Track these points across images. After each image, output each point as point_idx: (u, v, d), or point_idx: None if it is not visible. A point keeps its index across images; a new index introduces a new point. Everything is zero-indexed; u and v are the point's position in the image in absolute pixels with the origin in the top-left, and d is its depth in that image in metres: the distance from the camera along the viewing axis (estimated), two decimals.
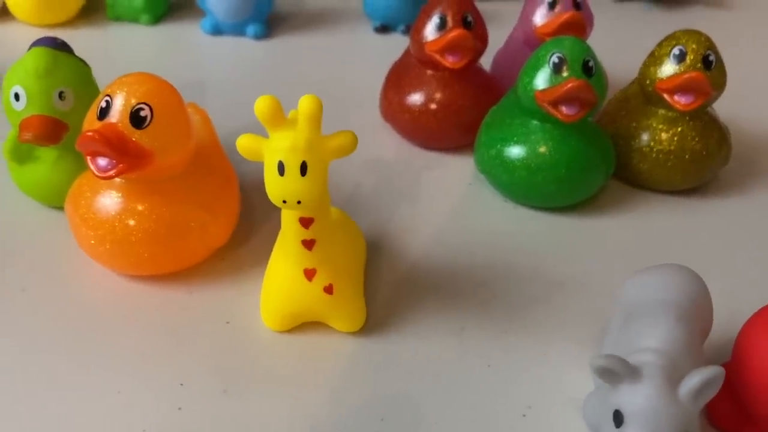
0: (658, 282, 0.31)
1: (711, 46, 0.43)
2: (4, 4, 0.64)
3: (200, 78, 0.58)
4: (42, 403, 0.32)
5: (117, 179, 0.35)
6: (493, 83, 0.51)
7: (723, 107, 0.47)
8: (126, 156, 0.33)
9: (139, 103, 0.33)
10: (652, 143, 0.45)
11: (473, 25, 0.46)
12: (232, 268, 0.39)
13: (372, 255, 0.41)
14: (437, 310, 0.38)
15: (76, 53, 0.41)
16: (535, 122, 0.43)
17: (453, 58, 0.46)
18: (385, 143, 0.51)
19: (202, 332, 0.36)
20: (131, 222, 0.35)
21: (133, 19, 0.65)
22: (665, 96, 0.44)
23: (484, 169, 0.46)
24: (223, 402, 0.32)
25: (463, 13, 0.46)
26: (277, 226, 0.41)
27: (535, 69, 0.42)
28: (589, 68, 0.41)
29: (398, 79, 0.50)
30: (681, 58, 0.43)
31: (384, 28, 0.66)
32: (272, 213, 0.43)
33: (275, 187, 0.29)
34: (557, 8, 0.49)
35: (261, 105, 0.29)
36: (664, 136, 0.45)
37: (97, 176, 0.33)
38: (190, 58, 0.62)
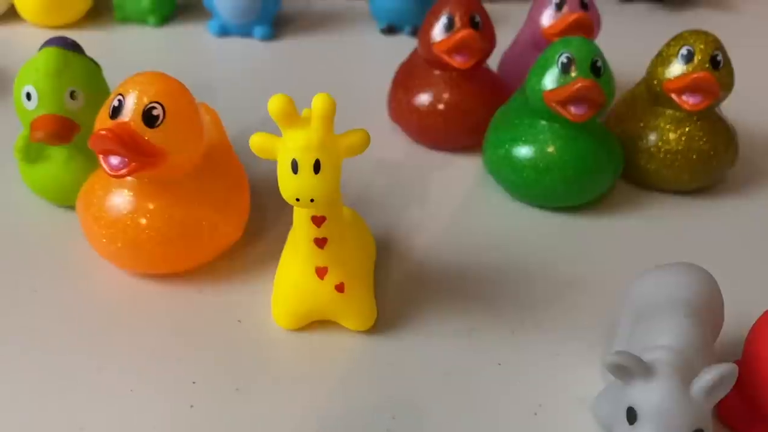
0: (669, 280, 0.31)
1: (719, 46, 0.44)
2: (13, 5, 0.64)
3: (207, 79, 0.58)
4: (55, 402, 0.32)
5: (128, 178, 0.35)
6: (501, 84, 0.51)
7: (729, 108, 0.47)
8: (138, 155, 0.33)
9: (151, 102, 0.33)
10: (659, 143, 0.45)
11: (481, 26, 0.46)
12: (243, 266, 0.40)
13: (381, 254, 0.41)
14: (447, 309, 0.38)
15: None
16: (543, 122, 0.43)
17: (461, 59, 0.46)
18: (393, 143, 0.51)
19: (214, 331, 0.36)
20: (143, 221, 0.35)
21: (140, 21, 0.66)
22: (673, 96, 0.44)
23: (492, 169, 0.46)
24: (235, 400, 0.32)
25: (470, 14, 0.46)
26: (287, 225, 0.42)
27: (544, 69, 0.42)
28: (597, 68, 0.41)
29: (406, 79, 0.50)
30: (689, 58, 0.44)
31: (390, 29, 0.67)
32: (282, 212, 0.44)
33: (289, 186, 0.29)
34: (564, 9, 0.49)
35: (275, 104, 0.29)
36: (671, 136, 0.45)
37: (109, 175, 0.33)
38: (197, 59, 0.62)
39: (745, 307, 0.35)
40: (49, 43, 0.40)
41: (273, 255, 0.40)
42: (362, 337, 0.36)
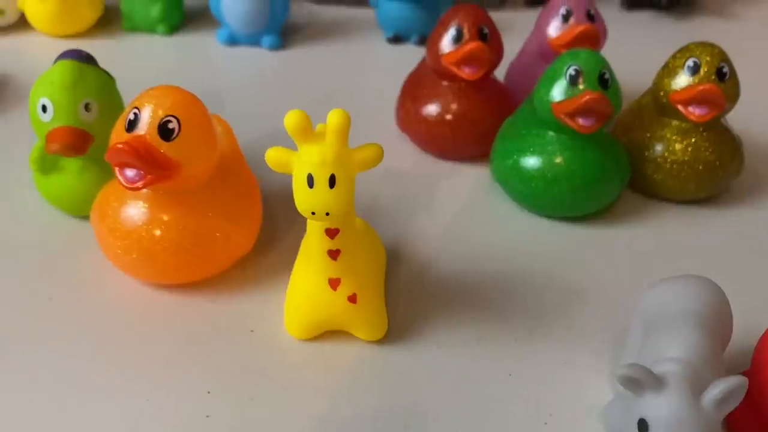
0: (679, 292, 0.31)
1: (724, 58, 0.44)
2: (23, 15, 0.65)
3: (216, 88, 0.59)
4: (71, 412, 0.33)
5: (143, 190, 0.36)
6: (508, 94, 0.51)
7: (733, 116, 0.48)
8: (154, 167, 0.33)
9: (166, 116, 0.34)
10: (666, 153, 0.46)
11: (489, 38, 0.47)
12: (255, 277, 0.40)
13: (390, 263, 0.41)
14: (456, 319, 0.38)
15: None
16: (551, 133, 0.44)
17: (469, 70, 0.46)
18: (400, 153, 0.52)
19: (227, 340, 0.36)
20: (157, 232, 0.36)
21: (149, 30, 0.66)
22: (679, 107, 0.44)
23: (500, 178, 0.46)
24: (250, 409, 0.33)
25: (479, 26, 0.47)
26: (298, 236, 0.42)
27: (552, 81, 0.42)
28: (605, 81, 0.41)
29: (414, 89, 0.51)
30: (695, 69, 0.44)
31: (397, 39, 0.67)
32: (293, 222, 0.44)
33: (304, 199, 0.30)
34: (571, 20, 0.50)
35: (291, 119, 0.29)
36: (677, 146, 0.46)
37: (125, 187, 0.34)
38: (205, 68, 0.63)
39: (753, 317, 0.35)
40: (64, 55, 0.41)
41: (284, 265, 0.40)
42: (373, 346, 0.36)
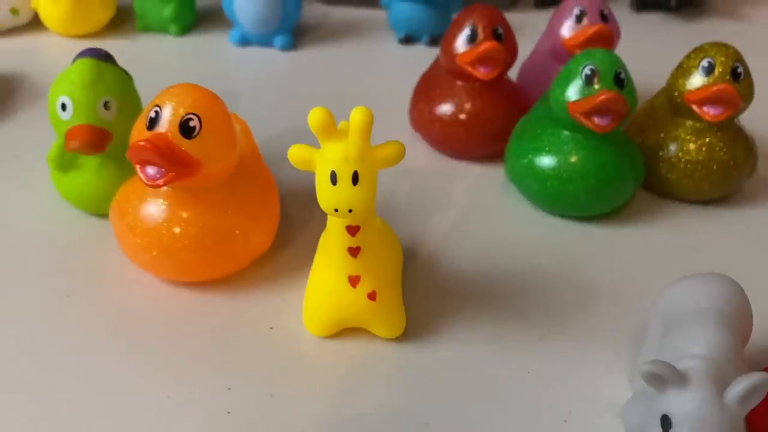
0: (699, 290, 0.31)
1: (739, 58, 0.44)
2: (37, 15, 0.65)
3: (229, 88, 0.59)
4: (91, 409, 0.33)
5: (163, 187, 0.36)
6: (521, 94, 0.51)
7: (747, 118, 0.48)
8: (176, 165, 0.33)
9: (188, 114, 0.34)
10: (680, 153, 0.46)
11: (504, 38, 0.47)
12: (273, 274, 0.40)
13: (405, 262, 0.41)
14: (473, 317, 0.38)
15: None
16: (566, 132, 0.44)
17: (484, 70, 0.47)
18: (414, 153, 0.52)
19: (247, 338, 0.36)
20: (177, 229, 0.36)
21: (162, 30, 0.66)
22: (694, 107, 0.45)
23: (514, 178, 0.46)
24: (271, 406, 0.33)
25: (493, 26, 0.47)
26: (314, 233, 0.42)
27: (568, 80, 0.42)
28: (620, 80, 0.42)
29: (428, 89, 0.51)
30: (710, 70, 0.44)
31: (408, 39, 0.67)
32: (309, 220, 0.44)
33: (328, 197, 0.30)
34: (585, 21, 0.50)
35: (314, 116, 0.29)
36: (692, 146, 0.46)
37: (146, 185, 0.34)
38: (218, 68, 0.63)
39: None
40: (83, 54, 0.41)
41: (301, 262, 0.40)
42: (392, 344, 0.36)
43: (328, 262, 0.35)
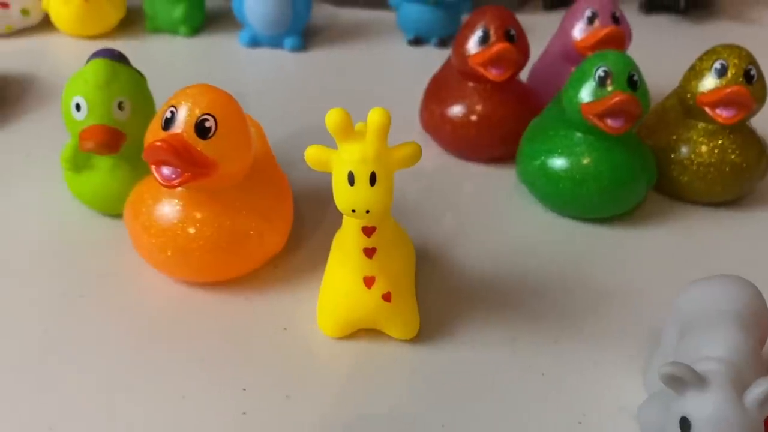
0: (716, 293, 0.31)
1: (752, 60, 0.44)
2: (47, 15, 0.65)
3: (239, 89, 0.58)
4: (107, 409, 0.33)
5: (178, 188, 0.36)
6: (532, 95, 0.51)
7: (759, 120, 0.48)
8: (192, 165, 0.33)
9: (203, 114, 0.34)
10: (692, 156, 0.46)
11: (516, 39, 0.47)
12: (286, 275, 0.40)
13: (418, 264, 0.41)
14: (487, 318, 0.38)
15: None
16: (579, 134, 0.44)
17: (497, 71, 0.47)
18: (425, 154, 0.51)
19: (261, 338, 0.36)
20: (192, 230, 0.36)
21: (172, 31, 0.67)
22: (707, 109, 0.44)
23: (526, 179, 0.46)
24: (286, 407, 0.33)
25: (506, 27, 0.47)
26: (326, 234, 0.42)
27: (581, 82, 0.42)
28: (634, 82, 0.42)
29: (439, 90, 0.51)
30: (722, 72, 0.44)
31: (417, 41, 0.68)
32: (320, 220, 0.44)
33: (345, 197, 0.30)
34: (596, 23, 0.50)
35: (332, 117, 0.29)
36: (704, 149, 0.46)
37: (161, 185, 0.34)
38: (227, 69, 0.63)
39: None
40: (97, 54, 0.41)
41: (313, 264, 0.40)
42: (406, 345, 0.36)
43: (343, 263, 0.35)
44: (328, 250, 0.37)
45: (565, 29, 0.52)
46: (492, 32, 0.47)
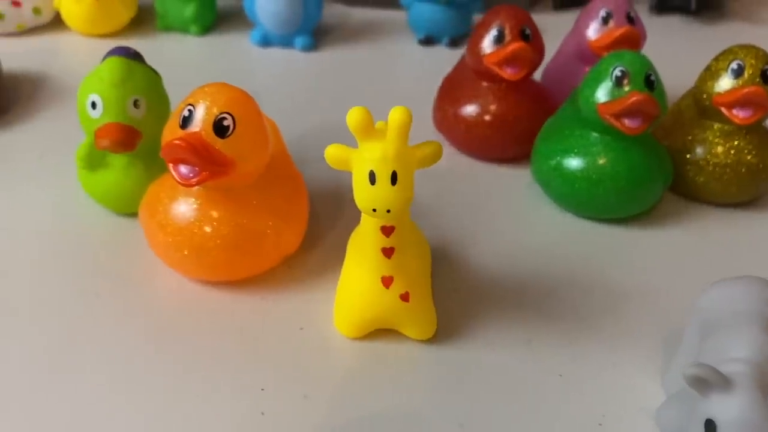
0: (738, 293, 0.31)
1: None
2: (59, 14, 0.65)
3: (250, 88, 0.58)
4: (124, 409, 0.33)
5: (195, 186, 0.36)
6: (547, 95, 0.51)
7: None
8: (210, 164, 0.33)
9: (221, 113, 0.34)
10: (708, 156, 0.46)
11: (531, 38, 0.47)
12: (301, 274, 0.40)
13: (433, 264, 0.41)
14: (503, 319, 0.38)
15: None
16: (595, 134, 0.43)
17: (512, 70, 0.46)
18: None
19: (278, 338, 0.36)
20: (208, 228, 0.36)
21: (183, 30, 0.66)
22: (723, 110, 0.44)
23: (542, 179, 0.46)
24: (304, 407, 0.33)
25: (521, 26, 0.47)
26: (341, 234, 0.42)
27: (597, 82, 0.42)
28: (651, 82, 0.41)
29: (453, 90, 0.51)
30: (739, 72, 0.44)
31: (428, 41, 0.67)
32: (336, 220, 0.44)
33: (366, 196, 0.30)
34: (611, 23, 0.50)
35: (353, 116, 0.29)
36: (720, 149, 0.45)
37: (179, 184, 0.34)
38: (238, 68, 0.63)
39: None
40: (113, 52, 0.41)
41: (329, 263, 0.40)
42: (423, 345, 0.36)
43: (361, 263, 0.35)
44: (344, 249, 0.37)
45: (579, 29, 0.52)
46: (507, 31, 0.47)
